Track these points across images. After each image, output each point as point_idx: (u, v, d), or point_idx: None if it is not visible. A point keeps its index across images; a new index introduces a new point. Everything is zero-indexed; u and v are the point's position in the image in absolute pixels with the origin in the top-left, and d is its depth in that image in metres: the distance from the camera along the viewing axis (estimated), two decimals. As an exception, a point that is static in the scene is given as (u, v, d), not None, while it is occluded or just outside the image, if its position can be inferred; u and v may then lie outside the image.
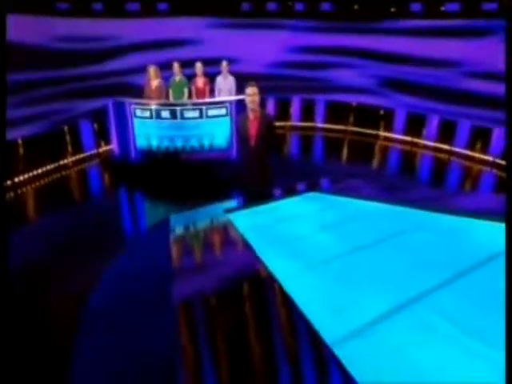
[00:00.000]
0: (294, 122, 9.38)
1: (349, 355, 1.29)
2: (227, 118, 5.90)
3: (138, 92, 6.48)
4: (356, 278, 1.82)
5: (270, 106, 9.02)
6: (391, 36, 7.99)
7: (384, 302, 1.59)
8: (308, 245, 2.22)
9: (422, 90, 7.81)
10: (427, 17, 7.50)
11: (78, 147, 7.15)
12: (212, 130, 5.97)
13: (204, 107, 5.83)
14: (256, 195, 3.33)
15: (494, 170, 6.44)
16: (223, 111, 5.87)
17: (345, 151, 7.90)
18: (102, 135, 7.22)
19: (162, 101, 6.17)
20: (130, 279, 2.22)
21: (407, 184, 5.93)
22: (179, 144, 5.99)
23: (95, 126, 7.53)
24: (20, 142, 6.47)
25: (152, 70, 6.16)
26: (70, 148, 7.10)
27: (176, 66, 6.38)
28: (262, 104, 3.71)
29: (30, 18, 6.66)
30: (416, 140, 7.94)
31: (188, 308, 1.74)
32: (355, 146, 8.07)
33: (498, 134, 6.72)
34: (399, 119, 8.36)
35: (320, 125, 9.26)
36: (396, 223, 2.48)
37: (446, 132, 7.47)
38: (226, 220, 2.71)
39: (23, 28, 6.25)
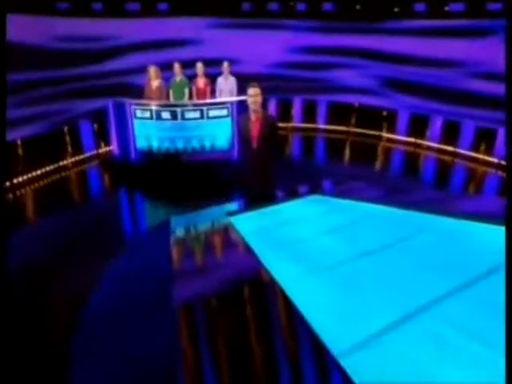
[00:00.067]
0: (296, 124, 9.33)
1: (354, 366, 1.25)
2: (228, 119, 5.86)
3: (138, 92, 6.43)
4: (362, 284, 1.78)
5: (272, 107, 8.99)
6: (394, 36, 7.95)
7: (391, 311, 1.55)
8: (311, 248, 2.19)
9: (425, 91, 7.75)
10: (431, 17, 7.45)
11: (77, 148, 7.13)
12: (213, 130, 5.92)
13: (205, 108, 5.79)
14: (258, 197, 3.31)
15: (499, 172, 6.37)
16: (224, 112, 5.83)
17: (347, 152, 7.85)
18: (102, 136, 7.19)
19: (163, 101, 6.12)
20: (130, 281, 2.22)
21: (411, 186, 5.87)
22: (180, 145, 5.95)
23: (95, 126, 7.50)
24: (19, 142, 6.44)
25: (152, 70, 6.12)
26: (69, 148, 7.07)
27: (177, 66, 6.33)
28: (264, 105, 3.67)
29: (30, 18, 6.66)
30: (419, 141, 7.87)
31: (188, 310, 1.74)
32: (357, 148, 8.00)
33: (502, 136, 6.66)
34: (402, 120, 8.30)
35: (322, 126, 9.21)
36: (401, 227, 2.46)
37: (450, 133, 7.41)
38: (227, 222, 2.68)
39: (23, 28, 6.24)
